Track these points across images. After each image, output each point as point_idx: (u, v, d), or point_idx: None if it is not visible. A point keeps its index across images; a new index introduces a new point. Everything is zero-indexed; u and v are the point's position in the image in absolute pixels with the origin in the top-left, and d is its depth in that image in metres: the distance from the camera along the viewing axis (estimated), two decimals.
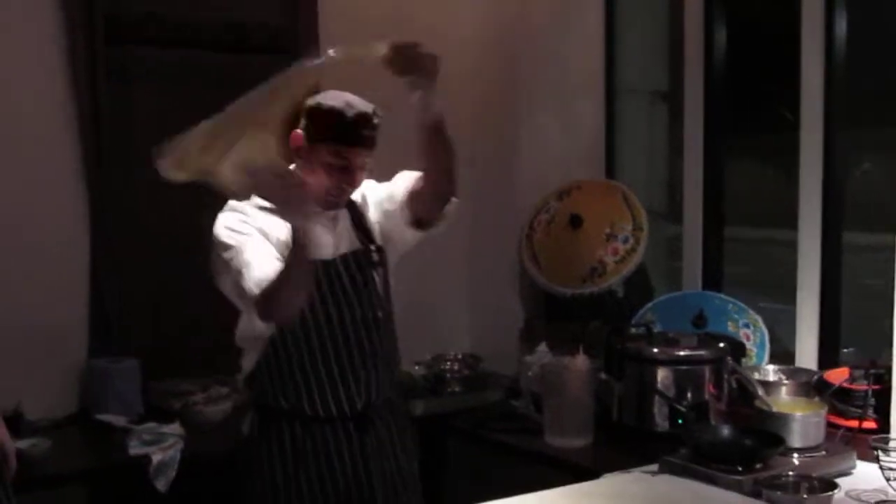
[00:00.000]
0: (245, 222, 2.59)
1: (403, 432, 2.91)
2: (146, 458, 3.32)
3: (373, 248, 2.77)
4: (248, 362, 2.78)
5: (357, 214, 2.78)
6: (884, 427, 2.99)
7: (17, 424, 3.40)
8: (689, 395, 3.22)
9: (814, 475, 2.60)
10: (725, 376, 3.24)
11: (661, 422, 3.24)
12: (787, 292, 3.77)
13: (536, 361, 3.61)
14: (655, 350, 3.31)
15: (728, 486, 2.59)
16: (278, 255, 2.53)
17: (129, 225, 3.92)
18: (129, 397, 3.71)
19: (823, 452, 2.83)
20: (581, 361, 3.32)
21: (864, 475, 2.76)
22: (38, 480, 3.18)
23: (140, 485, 3.29)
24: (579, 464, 3.08)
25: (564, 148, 4.53)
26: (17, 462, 2.71)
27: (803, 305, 3.67)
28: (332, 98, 2.60)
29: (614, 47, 4.59)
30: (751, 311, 3.73)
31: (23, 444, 3.21)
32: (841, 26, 3.62)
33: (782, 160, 3.93)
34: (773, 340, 3.69)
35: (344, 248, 2.71)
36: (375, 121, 2.62)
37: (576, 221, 4.16)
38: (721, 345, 3.33)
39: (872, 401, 3.08)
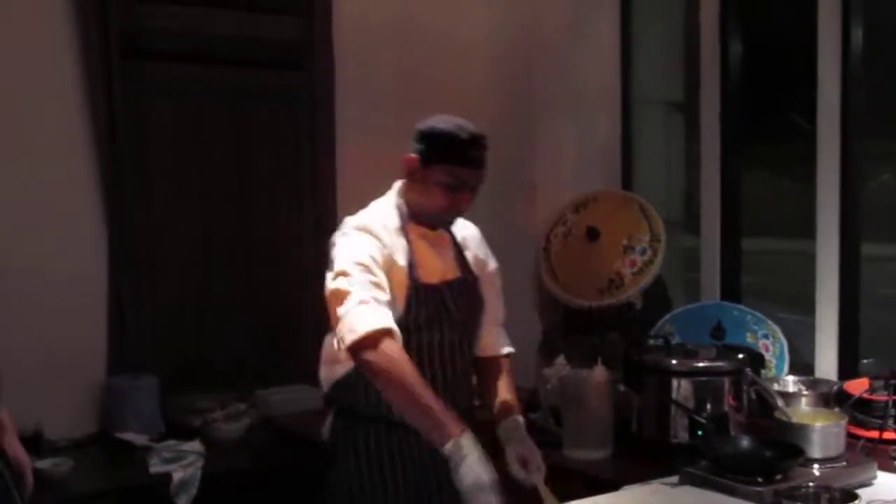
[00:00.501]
0: (370, 254, 2.60)
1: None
2: (167, 476, 3.34)
3: (471, 277, 2.85)
4: (336, 372, 2.79)
5: (458, 247, 2.87)
6: None
7: (37, 444, 3.42)
8: (708, 406, 3.20)
9: (834, 486, 2.58)
10: (745, 387, 3.22)
11: (681, 433, 3.22)
12: (805, 303, 3.76)
13: (555, 374, 3.60)
14: (674, 362, 3.29)
15: (748, 498, 2.58)
16: (387, 297, 2.56)
17: (147, 242, 3.95)
18: (149, 415, 3.72)
19: (844, 463, 2.82)
20: (600, 374, 3.32)
21: (884, 485, 2.75)
22: (60, 501, 3.20)
23: (161, 503, 3.30)
24: (599, 476, 3.07)
25: (580, 159, 4.54)
26: (33, 479, 2.72)
27: (822, 316, 3.66)
28: (444, 121, 2.70)
29: (630, 58, 4.60)
30: (770, 322, 3.72)
31: (44, 464, 3.23)
32: (857, 35, 3.62)
33: (799, 170, 3.93)
34: (793, 351, 3.68)
35: (449, 274, 2.79)
36: (485, 142, 2.70)
37: (593, 233, 4.16)
38: (740, 356, 3.32)
39: (893, 411, 3.07)
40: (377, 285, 2.55)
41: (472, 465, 2.35)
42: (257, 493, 3.53)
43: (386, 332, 2.47)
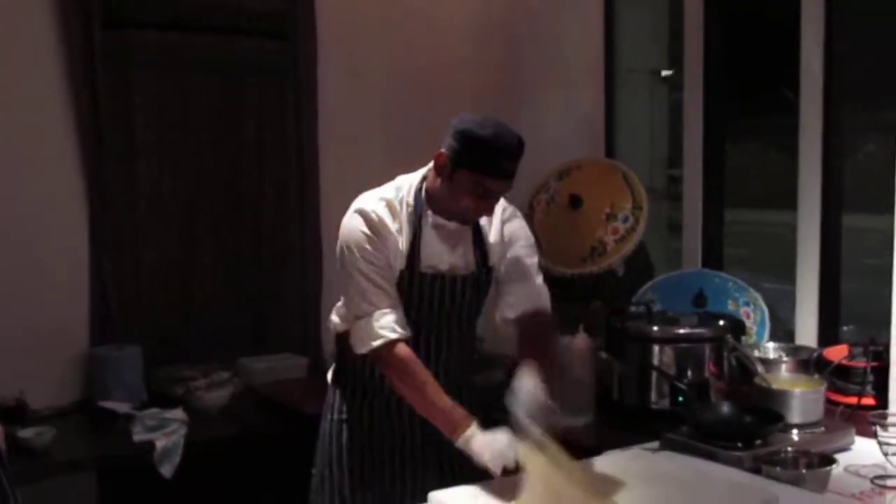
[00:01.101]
0: (371, 249, 2.63)
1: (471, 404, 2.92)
2: (150, 445, 3.35)
3: (484, 270, 2.81)
4: (340, 326, 2.83)
5: (479, 233, 2.81)
6: (882, 403, 3.00)
7: (20, 413, 3.43)
8: (689, 373, 3.23)
9: (813, 451, 2.61)
10: (725, 354, 3.24)
11: (662, 400, 3.25)
12: (787, 272, 3.78)
13: None
14: (656, 329, 3.31)
15: (728, 463, 2.60)
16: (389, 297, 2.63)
17: (129, 212, 3.94)
18: (132, 384, 3.73)
19: (822, 429, 2.84)
20: (582, 341, 3.33)
21: (862, 451, 2.77)
22: (43, 469, 3.20)
23: (145, 471, 3.31)
24: (580, 442, 3.06)
25: (564, 128, 4.53)
26: (5, 447, 2.71)
27: (803, 284, 3.68)
28: (482, 126, 2.57)
29: (614, 27, 4.58)
30: (751, 290, 3.73)
31: (27, 432, 3.24)
32: (841, 6, 3.61)
33: (783, 141, 3.93)
34: (774, 319, 3.69)
35: (459, 268, 2.76)
36: (521, 151, 2.63)
37: (576, 202, 4.16)
38: (721, 323, 3.34)
39: (871, 377, 3.09)
40: (377, 285, 2.61)
41: (481, 454, 2.46)
42: (240, 460, 3.55)
43: (394, 342, 2.59)
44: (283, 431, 3.65)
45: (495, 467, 2.42)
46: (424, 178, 2.72)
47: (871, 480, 2.56)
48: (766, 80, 4.19)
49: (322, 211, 4.28)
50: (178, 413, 3.52)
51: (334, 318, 2.86)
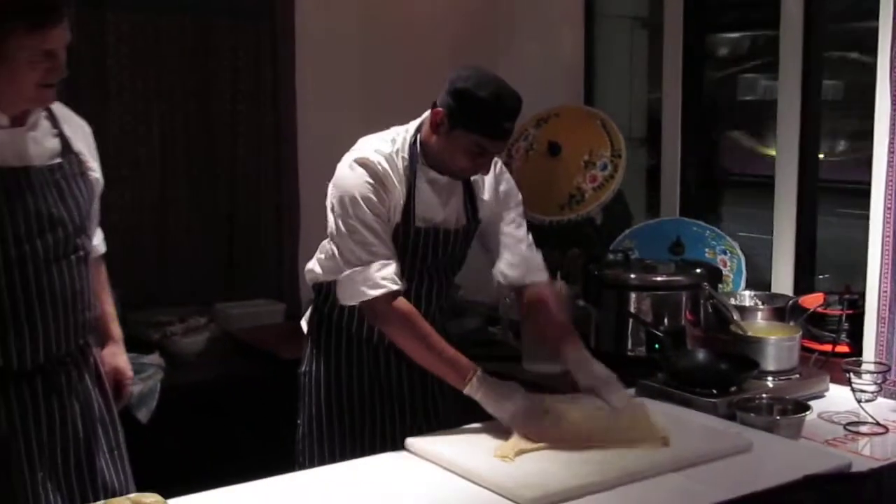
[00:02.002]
0: (371, 197, 2.57)
1: None
2: None
3: (474, 224, 2.82)
4: (322, 276, 2.80)
5: (469, 186, 2.79)
6: (856, 351, 3.02)
7: None
8: (665, 320, 3.25)
9: (787, 398, 2.64)
10: (702, 302, 3.25)
11: (638, 347, 3.28)
12: (764, 220, 3.79)
13: None
14: (633, 276, 3.32)
15: (703, 409, 2.63)
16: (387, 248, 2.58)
17: (103, 156, 3.88)
18: None
19: (797, 376, 2.87)
20: (559, 289, 3.33)
21: (836, 398, 2.81)
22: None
23: (121, 416, 3.30)
24: (557, 389, 3.08)
25: (543, 75, 4.50)
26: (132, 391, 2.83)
27: (780, 232, 3.69)
28: (483, 85, 2.53)
29: None
30: (728, 238, 3.74)
31: None
32: None
33: (763, 85, 3.93)
34: (750, 267, 3.71)
35: (451, 221, 2.74)
36: (519, 110, 2.60)
37: (554, 149, 4.15)
38: (698, 271, 3.35)
39: (846, 325, 3.10)
40: (377, 234, 2.55)
41: (488, 403, 2.45)
42: (217, 406, 3.55)
43: (394, 294, 2.53)
44: (259, 376, 3.66)
45: (504, 413, 2.42)
46: (418, 131, 2.68)
47: (845, 427, 2.59)
48: (746, 26, 4.17)
49: (300, 156, 4.26)
50: (154, 358, 3.51)
51: (315, 267, 2.83)
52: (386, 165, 2.59)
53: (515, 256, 2.80)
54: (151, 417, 3.35)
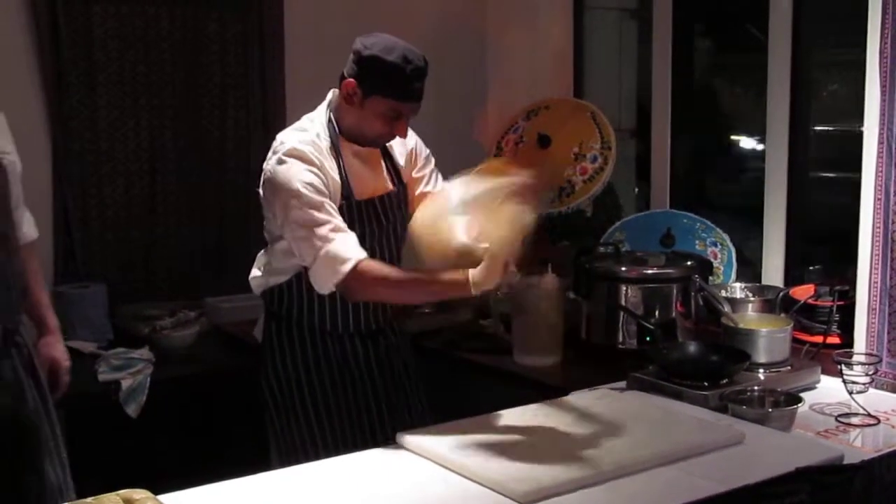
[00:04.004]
0: (313, 182, 2.59)
1: (405, 341, 3.06)
2: (116, 384, 3.33)
3: (401, 187, 2.87)
4: (270, 281, 2.83)
5: (388, 154, 2.87)
6: (847, 342, 3.03)
7: None
8: (656, 312, 3.24)
9: (779, 389, 2.63)
10: (693, 294, 3.25)
11: (629, 340, 3.27)
12: (754, 212, 3.79)
13: (505, 281, 3.60)
14: (623, 269, 3.32)
15: (694, 402, 2.62)
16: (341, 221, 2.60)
17: (92, 149, 3.88)
18: (97, 323, 3.70)
19: (788, 367, 2.87)
20: (550, 281, 3.32)
21: (827, 389, 2.80)
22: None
23: (110, 410, 3.29)
24: (548, 382, 3.10)
25: (532, 67, 4.49)
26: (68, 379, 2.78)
27: (770, 224, 3.69)
28: (388, 50, 2.59)
29: None
30: (718, 230, 3.74)
31: None
32: None
33: (751, 79, 3.92)
34: (741, 259, 3.71)
35: (380, 189, 2.80)
36: (426, 71, 2.65)
37: (544, 141, 4.14)
38: (688, 263, 3.35)
39: (837, 317, 3.11)
40: (330, 214, 2.57)
41: (492, 283, 2.47)
42: (206, 400, 3.54)
43: (362, 259, 2.53)
44: (249, 371, 3.63)
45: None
46: (329, 110, 2.73)
47: (836, 418, 2.59)
48: (735, 18, 4.17)
49: None
50: (143, 352, 3.50)
51: (258, 274, 2.84)
52: (313, 150, 2.63)
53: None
54: (141, 412, 3.34)
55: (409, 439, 2.37)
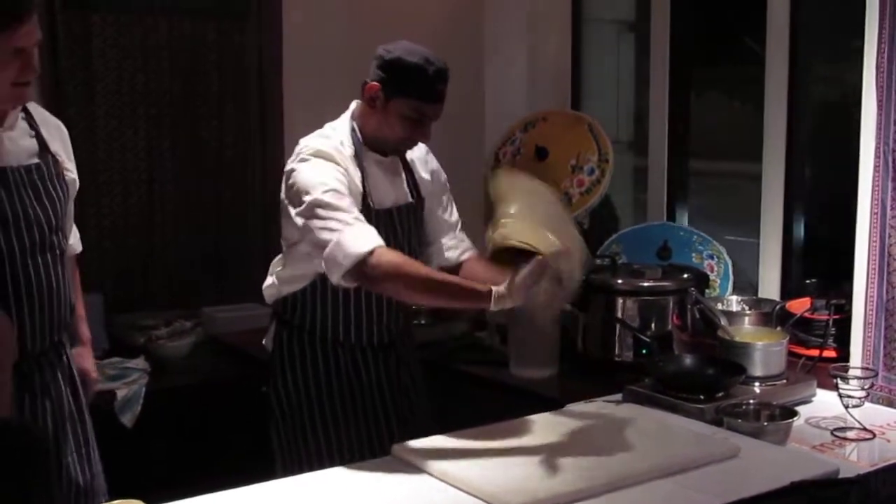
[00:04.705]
0: (337, 177, 2.58)
1: (414, 355, 3.03)
2: (111, 394, 3.32)
3: (420, 200, 2.88)
4: (283, 290, 2.82)
5: (409, 168, 2.87)
6: (843, 356, 3.02)
7: None
8: (653, 325, 3.24)
9: (774, 403, 2.64)
10: (689, 307, 3.25)
11: (625, 352, 3.27)
12: (751, 224, 3.79)
13: None
14: (620, 281, 3.32)
15: (690, 415, 2.62)
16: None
17: (90, 158, 3.88)
18: (93, 332, 3.65)
19: (784, 381, 2.87)
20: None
21: (823, 403, 2.80)
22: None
23: (106, 420, 3.28)
24: (544, 394, 3.09)
25: (530, 79, 4.50)
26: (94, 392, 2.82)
27: (766, 237, 3.69)
28: (410, 53, 2.63)
29: None
30: (715, 243, 3.74)
31: None
32: None
33: (749, 92, 3.93)
34: (737, 272, 3.71)
35: (401, 199, 2.81)
36: (448, 75, 2.68)
37: (541, 153, 4.14)
38: (685, 276, 3.35)
39: (833, 330, 3.11)
40: (352, 205, 2.55)
41: (517, 299, 2.37)
42: (202, 410, 3.53)
43: (380, 246, 2.47)
44: (245, 381, 3.63)
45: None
46: (352, 119, 2.74)
47: (832, 432, 2.59)
48: (732, 31, 4.18)
49: (286, 157, 4.23)
50: (139, 362, 3.50)
51: (274, 282, 2.83)
52: (340, 157, 2.63)
53: (452, 240, 2.93)
54: (136, 422, 3.33)
55: (405, 450, 2.36)
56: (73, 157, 2.60)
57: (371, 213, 2.66)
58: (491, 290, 2.37)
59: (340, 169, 2.60)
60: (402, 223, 2.79)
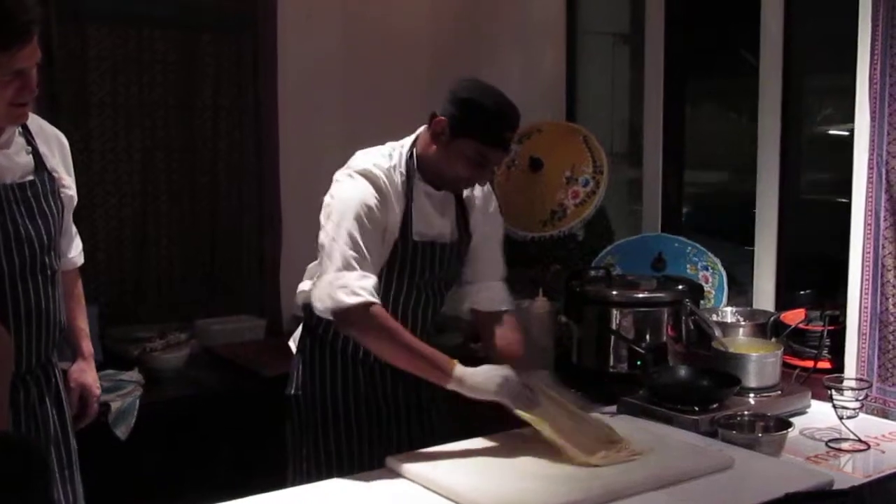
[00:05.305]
0: (371, 206, 2.55)
1: None
2: (105, 406, 3.30)
3: (467, 237, 2.82)
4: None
5: (463, 205, 2.81)
6: (838, 367, 3.02)
7: None
8: (647, 337, 3.23)
9: (769, 414, 2.64)
10: (684, 318, 3.24)
11: (620, 364, 3.26)
12: (746, 236, 3.79)
13: None
14: (615, 293, 3.31)
15: (685, 426, 2.62)
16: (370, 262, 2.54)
17: (85, 172, 3.87)
18: None
19: (779, 392, 2.87)
20: (541, 304, 3.33)
21: (818, 414, 2.81)
22: None
23: (100, 433, 3.27)
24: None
25: (525, 90, 4.49)
26: (97, 408, 2.80)
27: (761, 248, 3.70)
28: (487, 95, 2.56)
29: None
30: (709, 254, 3.75)
31: None
32: None
33: (743, 104, 3.94)
34: (732, 283, 3.71)
35: (445, 235, 2.74)
36: (518, 122, 2.62)
37: (536, 164, 4.15)
38: (680, 287, 3.34)
39: (827, 341, 3.11)
40: (368, 251, 2.52)
41: (477, 387, 2.43)
42: (196, 422, 3.52)
43: (370, 304, 2.46)
44: (240, 393, 3.63)
45: (501, 390, 2.42)
46: (414, 146, 2.68)
47: (826, 443, 2.59)
48: (728, 44, 4.19)
49: (282, 171, 4.24)
50: (133, 374, 3.49)
51: (307, 288, 2.77)
52: (386, 181, 2.59)
53: (493, 287, 2.86)
54: (130, 434, 3.32)
55: (398, 463, 2.36)
56: (72, 172, 2.59)
57: (408, 243, 2.64)
58: (453, 370, 2.42)
59: (378, 198, 2.56)
60: (441, 258, 2.73)
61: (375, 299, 2.48)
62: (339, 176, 2.63)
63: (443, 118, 2.57)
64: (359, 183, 2.57)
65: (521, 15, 4.55)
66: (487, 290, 2.85)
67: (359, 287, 2.46)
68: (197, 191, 4.16)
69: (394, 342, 2.48)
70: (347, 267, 2.48)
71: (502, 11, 4.58)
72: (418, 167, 2.65)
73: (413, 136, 2.70)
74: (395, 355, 2.51)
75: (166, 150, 4.08)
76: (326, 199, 2.62)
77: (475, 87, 2.58)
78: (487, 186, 2.85)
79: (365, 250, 2.51)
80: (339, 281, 2.47)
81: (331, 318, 2.52)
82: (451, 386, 2.44)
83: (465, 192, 2.77)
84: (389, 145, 2.70)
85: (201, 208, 4.17)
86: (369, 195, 2.55)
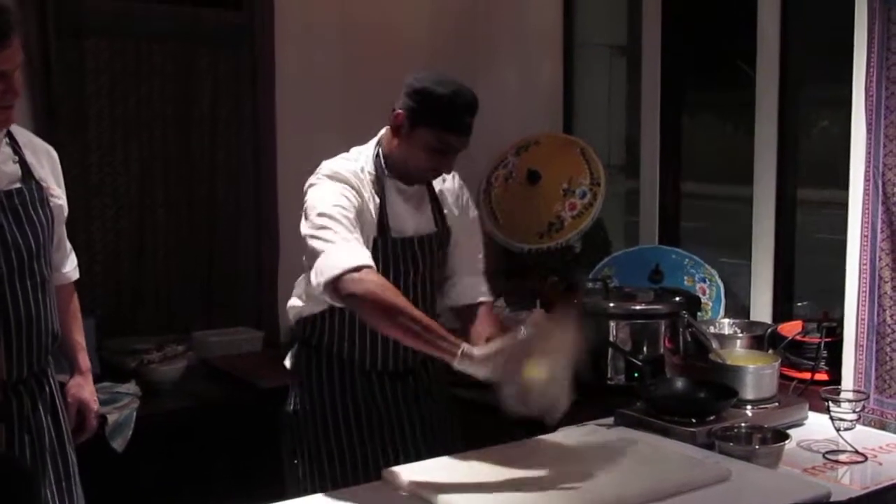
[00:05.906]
0: (347, 200, 2.56)
1: (439, 385, 2.95)
2: (102, 419, 3.30)
3: (444, 229, 2.84)
4: (304, 311, 2.79)
5: (436, 198, 2.84)
6: (835, 379, 3.03)
7: None
8: (644, 349, 3.24)
9: (766, 426, 2.63)
10: (681, 330, 3.25)
11: (617, 375, 3.26)
12: (743, 247, 3.79)
13: None
14: (612, 305, 3.32)
15: (682, 438, 2.62)
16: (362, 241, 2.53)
17: (83, 183, 3.87)
18: None
19: (776, 404, 2.87)
20: (538, 317, 3.31)
21: (815, 426, 2.80)
22: None
23: (96, 445, 3.27)
24: (535, 418, 3.08)
25: (522, 103, 4.52)
26: (96, 424, 2.79)
27: (758, 260, 3.70)
28: (440, 83, 2.60)
29: (573, 1, 4.56)
30: (707, 266, 3.75)
31: None
32: None
33: (740, 116, 3.94)
34: (729, 295, 3.71)
35: (423, 228, 2.77)
36: (477, 107, 2.65)
37: (534, 177, 4.16)
38: (677, 299, 3.35)
39: (824, 353, 3.11)
40: (355, 227, 2.53)
41: (485, 371, 2.34)
42: (193, 435, 3.52)
43: (368, 266, 2.42)
44: (237, 405, 3.63)
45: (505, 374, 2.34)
46: (378, 145, 2.72)
47: (824, 455, 2.58)
48: (725, 55, 4.20)
49: (279, 183, 4.24)
50: (130, 387, 3.48)
51: (297, 303, 2.80)
52: (356, 181, 2.62)
53: (470, 282, 2.89)
54: (127, 446, 3.31)
55: (395, 475, 2.36)
56: (62, 184, 2.59)
57: (388, 241, 2.65)
58: (461, 346, 2.34)
59: (352, 192, 2.59)
60: (423, 252, 2.75)
61: (368, 261, 2.44)
62: (309, 183, 2.65)
63: (401, 111, 2.62)
64: (329, 182, 2.60)
65: (519, 27, 4.56)
66: (462, 285, 2.88)
67: (349, 253, 2.43)
68: (194, 202, 4.15)
69: (391, 308, 2.36)
70: (338, 241, 2.46)
71: (500, 24, 4.59)
72: (386, 165, 2.68)
73: (377, 137, 2.75)
74: (391, 322, 2.38)
75: (164, 161, 4.08)
76: (303, 215, 2.61)
77: (428, 77, 2.62)
78: (459, 181, 2.89)
79: (352, 226, 2.51)
80: (333, 252, 2.44)
81: (331, 295, 2.44)
82: (456, 366, 2.35)
83: (437, 186, 2.81)
84: (354, 150, 2.75)
85: (199, 220, 4.17)
86: (342, 187, 2.58)
